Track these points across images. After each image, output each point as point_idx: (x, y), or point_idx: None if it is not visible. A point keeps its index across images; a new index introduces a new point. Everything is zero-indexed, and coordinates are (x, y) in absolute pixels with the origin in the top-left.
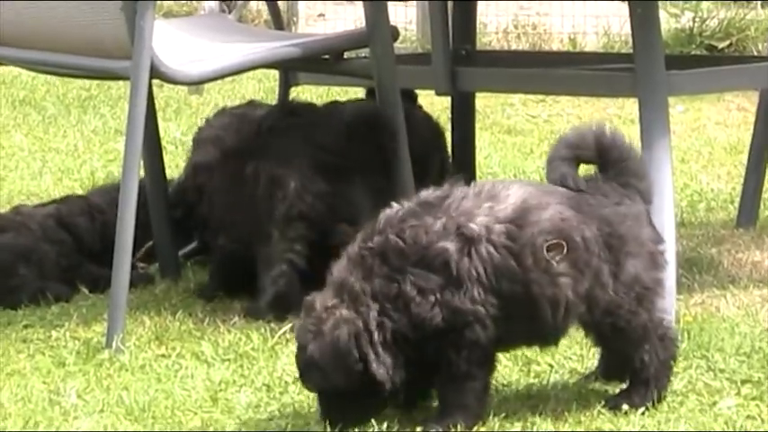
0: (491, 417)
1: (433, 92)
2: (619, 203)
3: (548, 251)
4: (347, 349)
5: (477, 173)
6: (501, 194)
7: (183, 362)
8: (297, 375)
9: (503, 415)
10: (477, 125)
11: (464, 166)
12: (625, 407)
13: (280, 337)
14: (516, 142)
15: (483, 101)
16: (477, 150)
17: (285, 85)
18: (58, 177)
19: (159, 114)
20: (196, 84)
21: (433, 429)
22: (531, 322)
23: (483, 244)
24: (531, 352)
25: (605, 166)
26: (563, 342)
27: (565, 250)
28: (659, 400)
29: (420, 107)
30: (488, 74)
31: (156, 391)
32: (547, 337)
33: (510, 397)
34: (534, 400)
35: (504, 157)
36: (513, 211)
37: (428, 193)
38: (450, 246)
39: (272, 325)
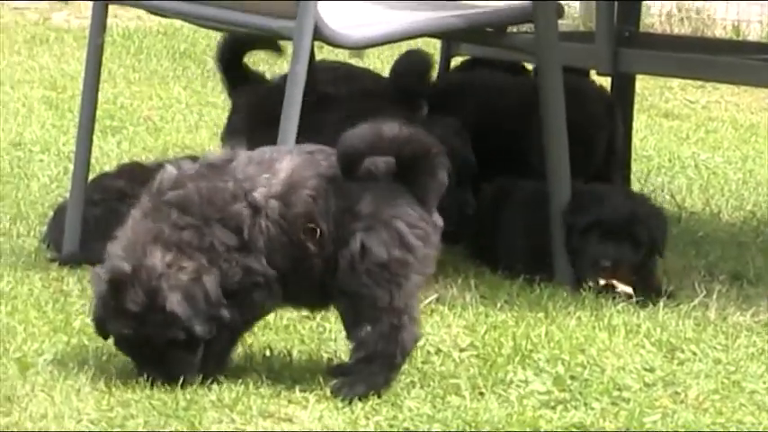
0: (630, 402)
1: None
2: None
3: (303, 233)
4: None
5: (633, 155)
6: (275, 166)
7: (327, 324)
8: None
9: (643, 400)
10: (635, 107)
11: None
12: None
13: (425, 306)
14: (673, 126)
15: (641, 83)
16: (634, 132)
17: (446, 55)
18: (213, 132)
19: None
20: (358, 48)
21: None
22: (298, 289)
23: (263, 216)
24: (676, 339)
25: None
26: (709, 331)
27: (318, 234)
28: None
29: (593, 83)
30: (652, 57)
31: (298, 352)
32: (319, 305)
33: (651, 383)
34: (676, 388)
35: (660, 140)
36: (282, 186)
37: (214, 156)
38: (244, 211)
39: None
